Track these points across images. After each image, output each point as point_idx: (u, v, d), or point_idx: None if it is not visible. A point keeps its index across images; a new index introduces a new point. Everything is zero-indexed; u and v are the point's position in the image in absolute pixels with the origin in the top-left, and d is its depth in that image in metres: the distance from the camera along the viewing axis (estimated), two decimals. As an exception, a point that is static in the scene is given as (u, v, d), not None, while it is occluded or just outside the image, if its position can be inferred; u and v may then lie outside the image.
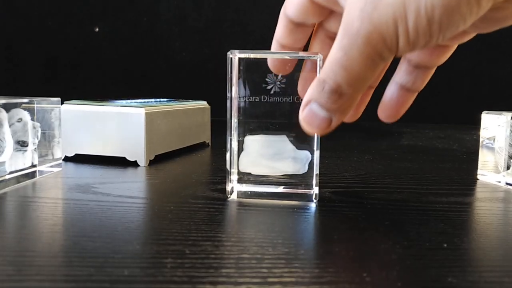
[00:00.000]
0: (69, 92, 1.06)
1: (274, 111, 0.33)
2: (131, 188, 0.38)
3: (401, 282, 0.21)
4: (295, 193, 0.34)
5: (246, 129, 0.33)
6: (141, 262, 0.23)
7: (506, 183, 0.41)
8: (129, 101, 0.52)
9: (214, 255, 0.23)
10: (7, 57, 1.13)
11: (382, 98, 0.32)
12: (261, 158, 0.34)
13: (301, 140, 0.33)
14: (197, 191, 0.37)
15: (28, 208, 0.31)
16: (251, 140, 0.33)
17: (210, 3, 1.15)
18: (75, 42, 1.14)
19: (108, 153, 0.47)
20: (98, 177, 0.41)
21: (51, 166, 0.42)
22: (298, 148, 0.33)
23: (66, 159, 0.48)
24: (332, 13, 0.29)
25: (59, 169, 0.43)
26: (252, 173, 0.34)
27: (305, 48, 0.33)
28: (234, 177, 0.34)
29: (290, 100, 0.32)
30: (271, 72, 0.32)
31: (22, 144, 0.38)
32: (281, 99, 0.32)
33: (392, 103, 0.31)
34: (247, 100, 0.33)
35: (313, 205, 0.33)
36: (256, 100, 0.33)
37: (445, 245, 0.26)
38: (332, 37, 0.30)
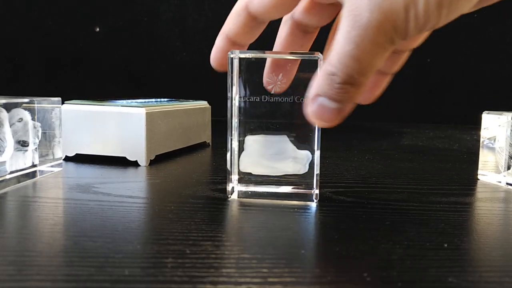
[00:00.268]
0: (70, 92, 1.06)
1: (274, 111, 0.33)
2: (132, 188, 0.38)
3: (402, 282, 0.21)
4: (296, 193, 0.34)
5: (247, 129, 0.33)
6: (142, 262, 0.23)
7: (507, 183, 0.41)
8: (129, 101, 0.52)
9: (214, 255, 0.23)
10: (8, 57, 1.13)
11: None
12: (262, 158, 0.34)
13: (302, 140, 0.33)
14: (197, 191, 0.37)
15: (29, 208, 0.31)
16: (251, 140, 0.33)
17: (210, 3, 1.15)
18: (75, 42, 1.14)
19: (108, 153, 0.47)
20: (98, 177, 0.41)
21: (52, 166, 0.42)
22: (299, 148, 0.33)
23: (67, 159, 0.48)
24: (304, 4, 0.30)
25: (60, 169, 0.43)
26: (253, 173, 0.34)
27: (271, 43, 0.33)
28: (234, 177, 0.34)
29: (290, 100, 0.32)
30: (271, 72, 0.32)
31: (22, 144, 0.38)
32: (282, 99, 0.32)
33: (368, 86, 0.32)
34: (247, 100, 0.33)
35: (313, 205, 0.33)
36: (256, 100, 0.33)
37: (446, 245, 0.26)
38: (302, 29, 0.31)
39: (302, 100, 0.32)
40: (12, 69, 1.13)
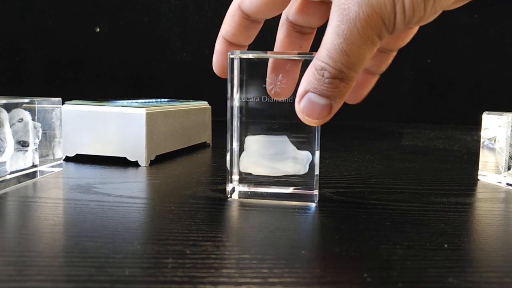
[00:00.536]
0: (70, 92, 1.06)
1: (274, 112, 0.33)
2: (132, 188, 0.38)
3: (402, 282, 0.21)
4: (296, 194, 0.34)
5: (247, 129, 0.33)
6: (142, 262, 0.23)
7: (507, 184, 0.41)
8: (130, 101, 0.52)
9: (214, 255, 0.23)
10: (8, 57, 1.13)
11: None
12: (262, 158, 0.34)
13: (302, 140, 0.33)
14: (197, 191, 0.37)
15: (29, 208, 0.31)
16: (251, 141, 0.33)
17: (210, 3, 1.15)
18: (76, 42, 1.14)
19: (109, 153, 0.47)
20: (99, 177, 0.41)
21: (52, 166, 0.42)
22: (299, 148, 0.33)
23: (67, 159, 0.48)
24: (295, 4, 0.30)
25: (60, 169, 0.43)
26: (253, 173, 0.34)
27: (271, 43, 0.33)
28: (234, 177, 0.34)
29: (290, 100, 0.32)
30: (271, 73, 0.32)
31: (23, 144, 0.38)
32: (282, 99, 0.32)
33: (356, 86, 0.32)
34: (248, 101, 0.33)
35: (313, 206, 0.33)
36: (256, 100, 0.33)
37: (446, 245, 0.26)
38: (298, 30, 0.31)
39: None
40: (12, 69, 1.13)
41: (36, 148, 0.39)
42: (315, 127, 0.32)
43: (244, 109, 0.33)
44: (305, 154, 0.33)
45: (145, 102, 0.52)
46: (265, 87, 0.32)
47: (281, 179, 0.34)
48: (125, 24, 1.15)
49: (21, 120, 0.37)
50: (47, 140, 0.41)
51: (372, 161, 0.55)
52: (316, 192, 0.33)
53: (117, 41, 1.15)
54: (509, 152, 0.40)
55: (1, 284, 0.20)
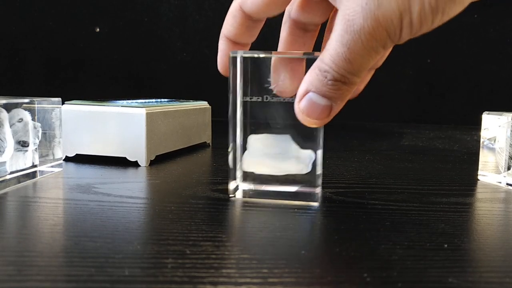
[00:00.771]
0: (70, 92, 1.06)
1: (276, 111, 0.33)
2: (132, 188, 0.38)
3: (402, 282, 0.21)
4: (298, 193, 0.34)
5: (249, 128, 0.33)
6: (142, 262, 0.23)
7: (507, 184, 0.41)
8: (130, 101, 0.52)
9: (214, 255, 0.23)
10: (8, 57, 1.13)
11: None
12: (264, 157, 0.33)
13: (305, 139, 0.33)
14: (197, 191, 0.37)
15: (29, 208, 0.31)
16: (254, 140, 0.33)
17: (211, 3, 1.15)
18: (76, 42, 1.14)
19: (108, 153, 0.47)
20: (98, 177, 0.41)
21: (52, 166, 0.42)
22: (302, 147, 0.33)
23: (67, 159, 0.48)
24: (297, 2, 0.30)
25: (60, 169, 0.43)
26: (255, 172, 0.34)
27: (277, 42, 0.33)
28: (236, 176, 0.34)
29: (292, 99, 0.32)
30: (274, 72, 0.32)
31: (22, 144, 0.38)
32: (284, 99, 0.32)
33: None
34: (249, 100, 0.33)
35: (313, 205, 0.33)
36: (258, 99, 0.33)
37: (446, 245, 0.26)
38: (301, 27, 0.31)
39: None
40: (12, 69, 1.13)
41: (36, 148, 0.39)
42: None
43: (246, 109, 0.33)
44: (308, 153, 0.33)
45: (145, 102, 0.52)
46: (267, 86, 0.32)
47: (283, 178, 0.34)
48: (125, 24, 1.15)
49: (21, 120, 0.37)
50: (47, 140, 0.41)
51: (372, 161, 0.55)
52: (318, 190, 0.33)
53: (117, 41, 1.15)
54: (509, 152, 0.40)
55: (1, 284, 0.20)
